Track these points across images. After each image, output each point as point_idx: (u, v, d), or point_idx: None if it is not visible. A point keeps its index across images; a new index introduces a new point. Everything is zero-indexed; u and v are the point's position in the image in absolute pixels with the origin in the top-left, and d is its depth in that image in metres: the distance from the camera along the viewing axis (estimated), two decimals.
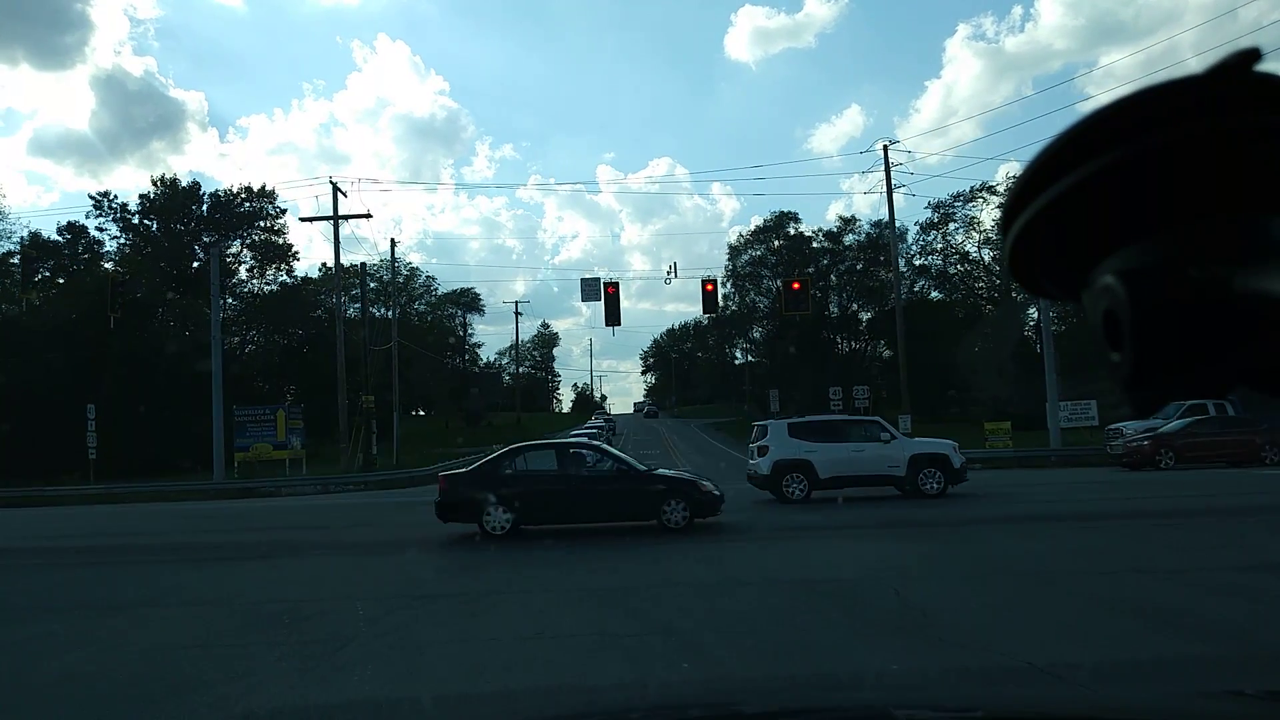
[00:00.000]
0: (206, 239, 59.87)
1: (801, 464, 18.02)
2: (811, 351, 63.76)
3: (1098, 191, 0.58)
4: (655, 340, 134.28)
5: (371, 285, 51.59)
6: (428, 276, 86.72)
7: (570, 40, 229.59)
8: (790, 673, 5.93)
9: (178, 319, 53.96)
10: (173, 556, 14.56)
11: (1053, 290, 0.67)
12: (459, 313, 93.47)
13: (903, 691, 4.69)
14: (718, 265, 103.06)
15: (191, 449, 39.80)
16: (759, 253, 71.67)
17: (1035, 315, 45.48)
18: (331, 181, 37.61)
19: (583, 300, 34.55)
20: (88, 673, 6.55)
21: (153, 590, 10.60)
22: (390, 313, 56.35)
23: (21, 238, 56.44)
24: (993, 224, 57.36)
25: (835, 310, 69.74)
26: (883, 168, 40.40)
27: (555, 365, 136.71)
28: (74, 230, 60.57)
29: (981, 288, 65.36)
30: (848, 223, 69.69)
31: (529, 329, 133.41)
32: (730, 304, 72.28)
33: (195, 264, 59.62)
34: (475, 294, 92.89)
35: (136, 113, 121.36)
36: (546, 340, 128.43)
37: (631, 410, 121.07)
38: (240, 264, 63.38)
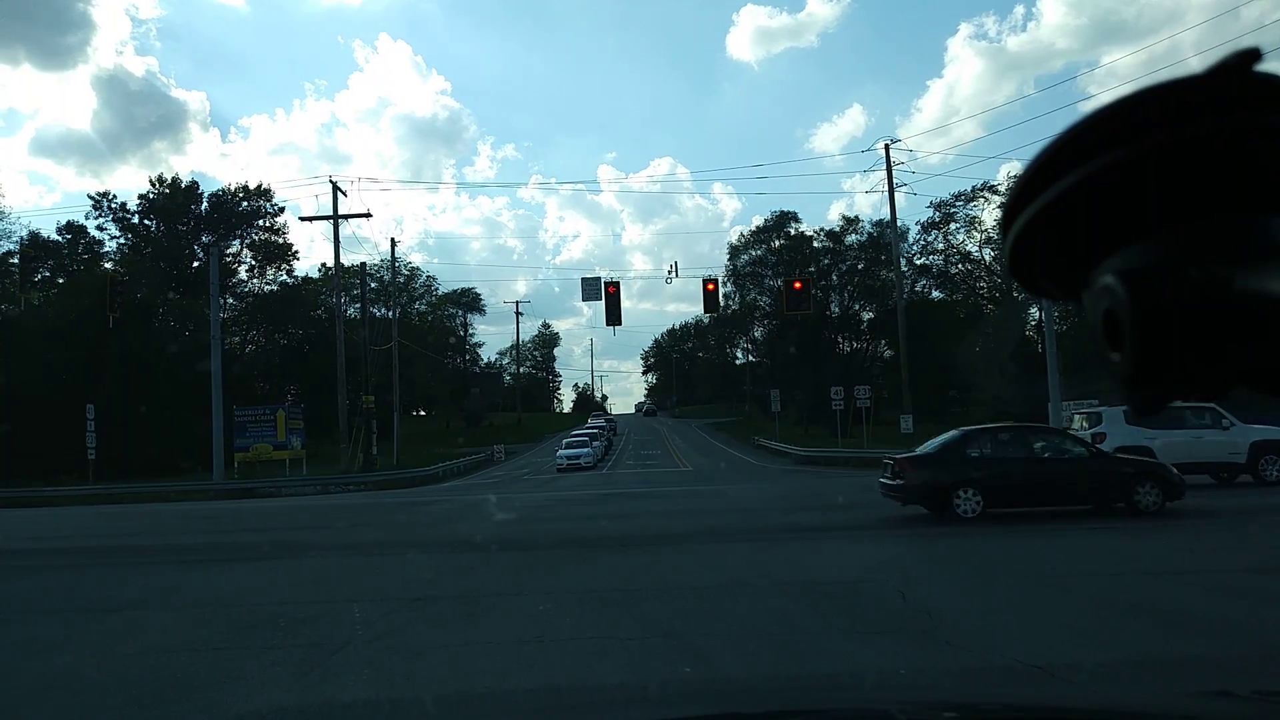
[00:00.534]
0: (206, 239, 59.85)
1: (1141, 451, 17.29)
2: (813, 351, 63.57)
3: (1098, 191, 0.58)
4: (656, 340, 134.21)
5: (372, 285, 51.51)
6: (428, 276, 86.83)
7: (572, 40, 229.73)
8: (793, 673, 5.84)
9: (178, 319, 53.90)
10: (170, 557, 14.47)
11: (1053, 290, 0.66)
12: (460, 313, 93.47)
13: (904, 691, 4.61)
14: (719, 265, 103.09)
15: (191, 449, 39.73)
16: (760, 252, 71.53)
17: (1037, 315, 45.35)
18: (331, 181, 37.59)
19: (584, 300, 34.55)
20: (78, 676, 6.45)
21: (149, 592, 10.50)
22: (391, 313, 56.31)
23: (21, 238, 56.42)
24: (994, 224, 57.24)
25: (836, 310, 69.57)
26: (884, 167, 40.33)
27: (556, 365, 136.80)
28: (74, 230, 60.53)
29: (983, 288, 65.25)
30: (850, 222, 69.46)
31: (530, 329, 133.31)
32: (731, 304, 72.18)
33: (195, 264, 59.57)
34: (476, 294, 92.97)
35: (138, 113, 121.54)
36: (547, 340, 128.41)
37: (633, 411, 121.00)
38: (240, 264, 63.34)
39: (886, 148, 41.00)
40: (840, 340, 71.10)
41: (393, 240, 50.69)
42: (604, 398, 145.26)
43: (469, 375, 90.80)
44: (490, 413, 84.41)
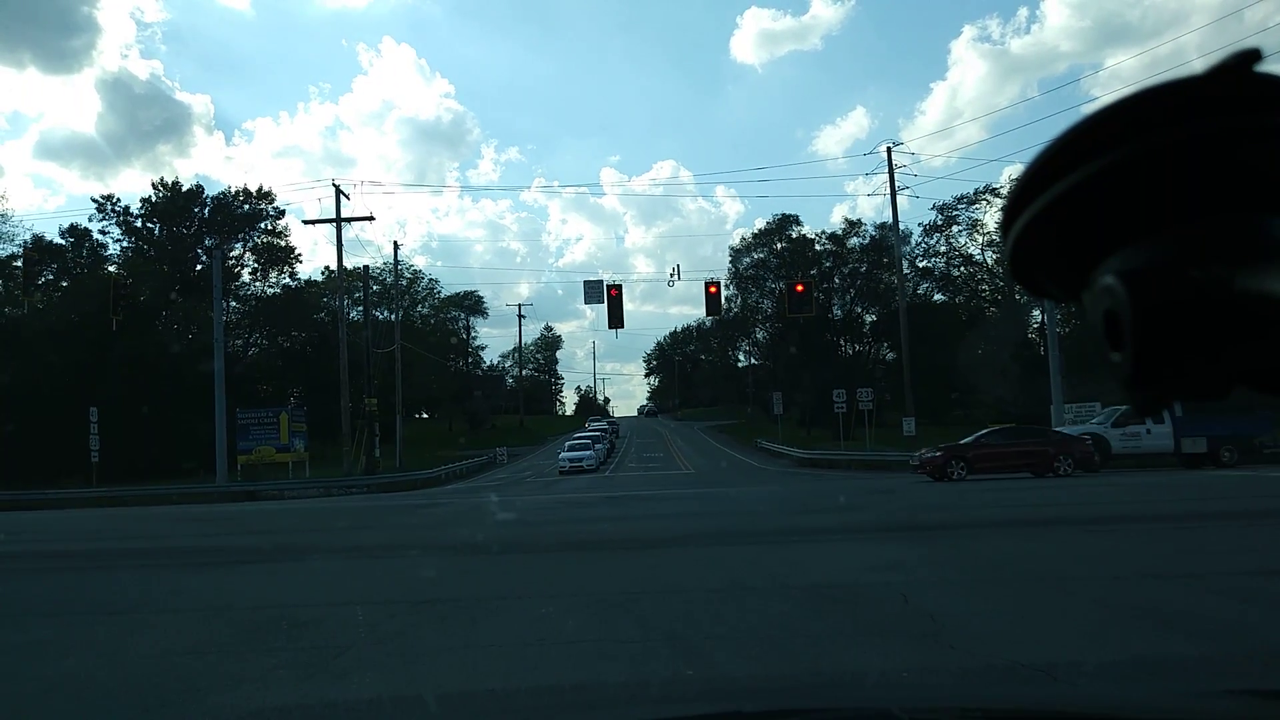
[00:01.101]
0: (209, 242, 59.95)
1: None
2: (815, 353, 63.57)
3: (1098, 192, 0.58)
4: (658, 343, 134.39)
5: (375, 288, 51.56)
6: (431, 279, 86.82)
7: (576, 43, 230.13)
8: (795, 674, 5.84)
9: (181, 322, 54.04)
10: (173, 560, 14.47)
11: (1054, 291, 0.66)
12: (462, 315, 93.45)
13: (905, 691, 4.61)
14: (721, 268, 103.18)
15: (194, 452, 39.81)
16: (762, 255, 71.57)
17: (1039, 317, 45.32)
18: (334, 184, 37.68)
19: (586, 303, 34.66)
20: (79, 680, 6.45)
21: (150, 595, 10.50)
22: (393, 315, 56.36)
23: (25, 240, 56.54)
24: (996, 226, 57.19)
25: (839, 312, 69.57)
26: (886, 170, 40.34)
27: (558, 368, 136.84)
28: (77, 233, 60.66)
29: (985, 290, 65.23)
30: (852, 225, 69.46)
31: (532, 332, 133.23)
32: (733, 306, 72.18)
33: (198, 267, 59.71)
34: (479, 296, 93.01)
35: (143, 116, 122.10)
36: (550, 343, 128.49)
37: (635, 413, 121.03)
38: (243, 267, 63.44)
39: (889, 150, 41.06)
40: (842, 343, 71.10)
41: (395, 243, 50.94)
42: (606, 400, 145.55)
43: (471, 378, 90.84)
44: (493, 415, 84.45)
